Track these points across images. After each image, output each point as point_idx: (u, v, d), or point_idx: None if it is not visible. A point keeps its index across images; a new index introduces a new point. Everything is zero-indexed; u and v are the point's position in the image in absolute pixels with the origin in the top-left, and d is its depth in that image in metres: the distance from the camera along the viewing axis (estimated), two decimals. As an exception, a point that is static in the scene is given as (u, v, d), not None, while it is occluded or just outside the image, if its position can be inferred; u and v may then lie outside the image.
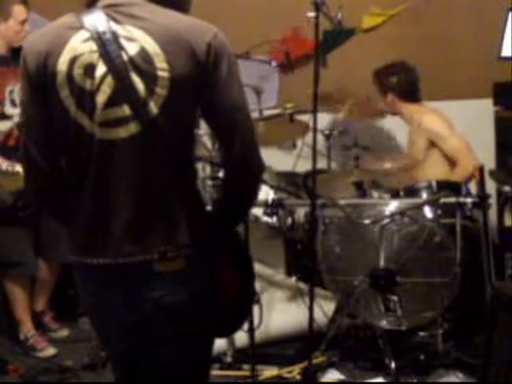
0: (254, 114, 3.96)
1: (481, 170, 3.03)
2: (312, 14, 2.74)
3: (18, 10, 3.51)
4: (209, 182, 3.39)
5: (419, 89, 3.89)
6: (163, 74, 1.57)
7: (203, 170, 3.43)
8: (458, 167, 3.65)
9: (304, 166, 3.67)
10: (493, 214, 3.51)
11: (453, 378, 3.04)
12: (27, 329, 3.73)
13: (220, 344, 3.26)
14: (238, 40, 3.94)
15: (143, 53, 1.58)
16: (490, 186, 3.37)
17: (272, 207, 3.40)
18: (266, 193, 3.41)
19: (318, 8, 2.74)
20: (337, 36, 4.31)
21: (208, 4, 4.53)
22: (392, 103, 3.87)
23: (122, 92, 1.58)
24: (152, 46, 1.58)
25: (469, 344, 3.15)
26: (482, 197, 3.03)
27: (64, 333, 3.91)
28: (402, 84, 3.84)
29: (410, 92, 3.85)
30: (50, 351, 3.67)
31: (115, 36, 1.59)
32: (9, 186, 3.19)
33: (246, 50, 3.80)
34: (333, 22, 2.98)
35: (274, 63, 3.96)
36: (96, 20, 1.61)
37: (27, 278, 3.74)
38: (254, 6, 4.52)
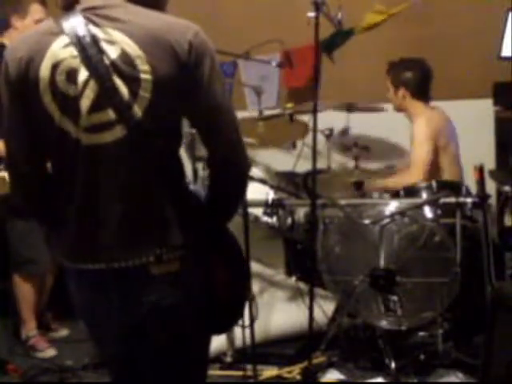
0: (254, 114, 3.97)
1: (481, 169, 3.03)
2: (312, 14, 2.74)
3: (35, 9, 3.52)
4: (209, 182, 3.38)
5: (430, 89, 3.88)
6: (146, 76, 1.56)
7: (203, 169, 3.43)
8: (405, 175, 3.68)
9: (304, 166, 3.67)
10: (493, 214, 3.50)
11: (453, 378, 3.04)
12: (29, 328, 3.72)
13: (220, 344, 3.27)
14: (239, 40, 3.97)
15: (124, 55, 1.57)
16: (490, 186, 3.37)
17: (272, 207, 3.40)
18: (265, 193, 3.41)
19: (317, 8, 2.73)
20: (335, 37, 4.31)
21: (208, 4, 4.55)
22: (402, 98, 3.86)
23: (106, 96, 1.57)
24: (133, 49, 1.56)
25: (469, 344, 3.16)
26: (482, 197, 3.03)
27: (64, 333, 3.92)
28: (416, 81, 3.83)
29: (422, 90, 3.84)
30: (50, 352, 3.67)
31: (95, 40, 1.58)
32: None
33: (246, 49, 3.79)
34: (333, 22, 2.97)
35: (274, 63, 3.96)
36: (75, 24, 1.60)
37: (38, 276, 3.73)
38: (255, 6, 4.52)
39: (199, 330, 1.73)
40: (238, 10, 4.53)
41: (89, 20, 1.60)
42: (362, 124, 4.26)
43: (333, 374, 3.15)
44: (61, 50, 1.60)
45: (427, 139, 3.71)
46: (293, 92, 4.58)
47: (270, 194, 3.42)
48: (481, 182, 3.03)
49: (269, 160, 4.33)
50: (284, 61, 3.97)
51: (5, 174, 2.87)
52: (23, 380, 3.39)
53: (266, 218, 3.42)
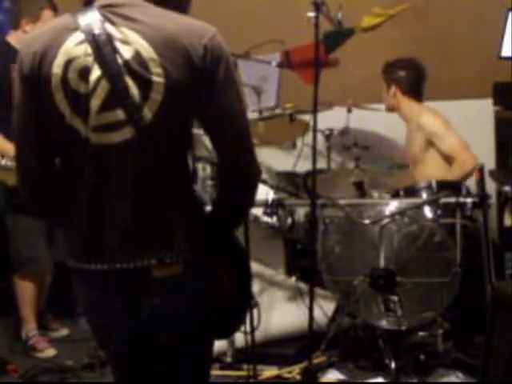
0: (254, 114, 3.97)
1: (481, 169, 3.03)
2: (312, 14, 2.74)
3: (47, 15, 3.53)
4: (209, 182, 3.39)
5: (423, 89, 3.90)
6: (158, 79, 1.55)
7: (203, 170, 3.43)
8: (455, 164, 3.66)
9: (304, 166, 3.67)
10: (493, 214, 3.50)
11: (453, 378, 3.04)
12: (30, 328, 3.72)
13: (220, 344, 3.26)
14: (239, 40, 3.96)
15: (138, 57, 1.55)
16: (490, 186, 3.37)
17: (272, 207, 3.40)
18: (266, 193, 3.41)
19: (317, 8, 2.73)
20: (336, 36, 4.31)
21: (208, 4, 4.54)
22: (393, 96, 3.89)
23: (117, 96, 1.56)
24: (147, 50, 1.55)
25: (469, 344, 3.16)
26: (482, 197, 3.03)
27: (64, 332, 3.92)
28: (408, 79, 3.86)
29: (414, 89, 3.87)
30: (50, 352, 3.67)
31: (110, 39, 1.57)
32: (7, 180, 3.19)
33: (246, 49, 3.79)
34: (333, 22, 2.97)
35: (273, 63, 3.96)
36: (91, 21, 1.59)
37: (39, 275, 3.72)
38: (255, 5, 4.52)
39: (202, 333, 1.73)
40: (238, 10, 4.52)
41: (106, 18, 1.59)
42: (362, 124, 4.26)
43: (333, 374, 3.15)
44: (75, 47, 1.59)
45: (448, 128, 3.73)
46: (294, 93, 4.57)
47: (270, 194, 3.42)
48: (481, 182, 3.03)
49: (269, 160, 4.33)
50: (284, 61, 3.96)
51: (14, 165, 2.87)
52: (23, 380, 3.39)
53: (266, 218, 3.42)
